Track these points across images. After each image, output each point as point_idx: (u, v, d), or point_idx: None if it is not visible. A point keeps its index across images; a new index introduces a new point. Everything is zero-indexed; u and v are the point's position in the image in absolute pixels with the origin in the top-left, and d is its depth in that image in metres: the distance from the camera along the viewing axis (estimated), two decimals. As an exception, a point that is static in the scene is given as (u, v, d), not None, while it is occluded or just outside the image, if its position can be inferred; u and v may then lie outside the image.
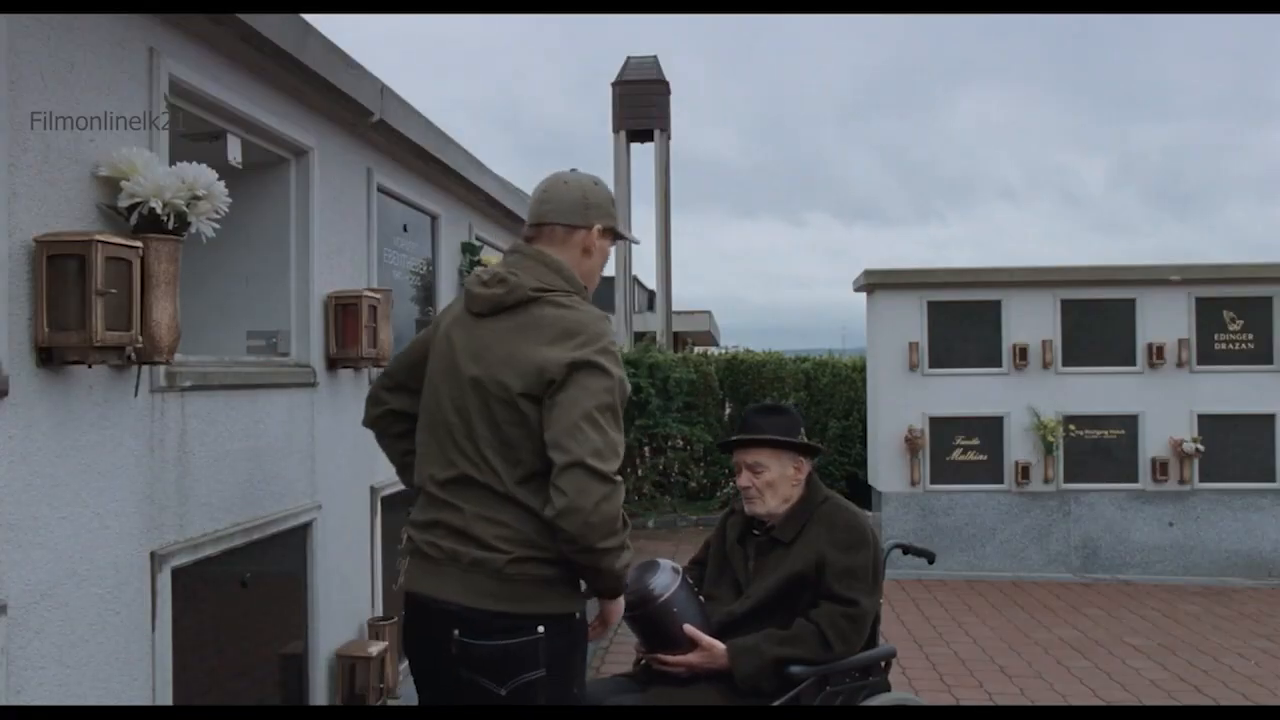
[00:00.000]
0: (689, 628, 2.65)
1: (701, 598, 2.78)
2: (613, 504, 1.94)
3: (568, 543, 1.95)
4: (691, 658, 2.63)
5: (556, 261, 2.14)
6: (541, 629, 2.02)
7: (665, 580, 2.59)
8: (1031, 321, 7.79)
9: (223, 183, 2.38)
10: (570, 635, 2.08)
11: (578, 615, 2.10)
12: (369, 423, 2.41)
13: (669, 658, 2.66)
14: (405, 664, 4.03)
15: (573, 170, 2.30)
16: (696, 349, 15.12)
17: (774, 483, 2.82)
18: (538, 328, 2.05)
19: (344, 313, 3.52)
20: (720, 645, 2.63)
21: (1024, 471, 7.69)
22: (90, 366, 2.16)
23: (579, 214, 2.20)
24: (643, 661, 2.84)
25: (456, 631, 2.02)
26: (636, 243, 2.87)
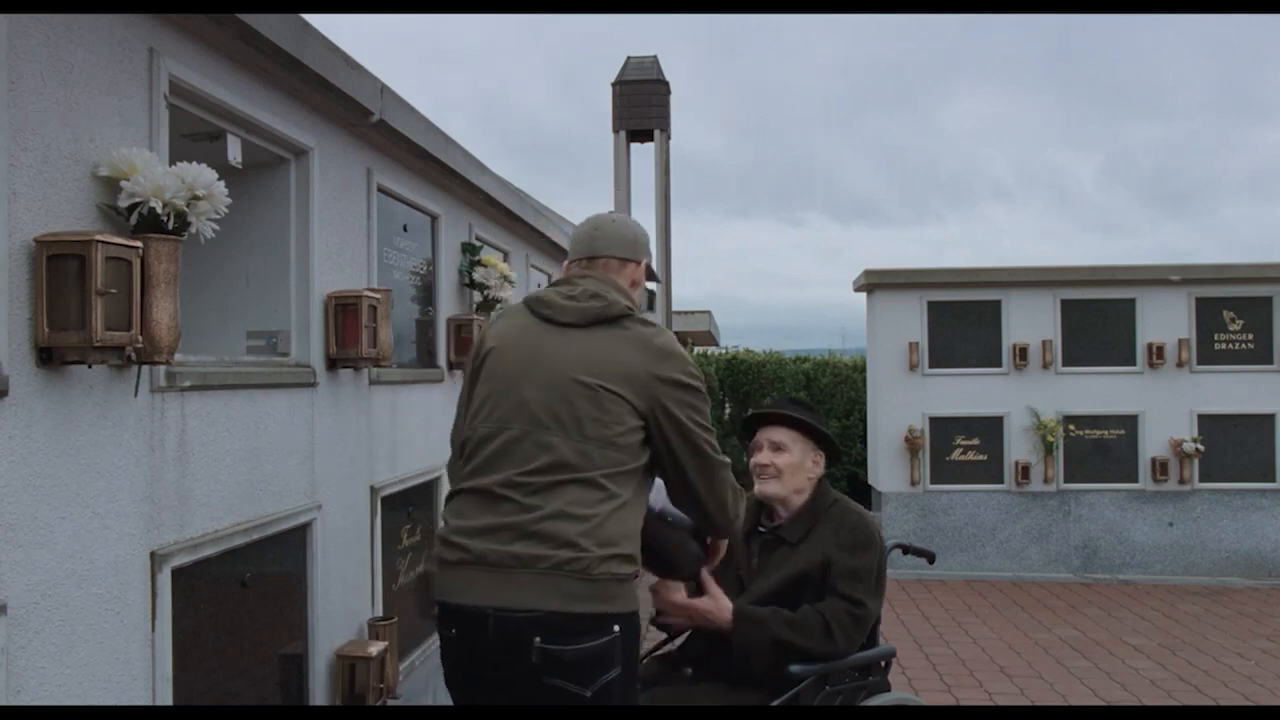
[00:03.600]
0: (705, 576, 2.65)
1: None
2: (737, 488, 2.34)
3: (713, 529, 2.40)
4: (699, 603, 2.63)
5: (624, 288, 2.33)
6: (617, 628, 2.07)
7: (657, 497, 2.57)
8: (1031, 321, 7.80)
9: (223, 183, 2.38)
10: (635, 632, 2.15)
11: (638, 611, 2.17)
12: None
13: (674, 599, 2.65)
14: (406, 663, 4.04)
15: (612, 213, 2.50)
16: (697, 349, 15.12)
17: (792, 466, 2.82)
18: (641, 343, 2.21)
19: (344, 313, 3.52)
20: (728, 602, 2.63)
21: (1024, 471, 7.70)
22: (90, 366, 2.16)
23: (630, 249, 2.39)
24: (644, 660, 2.85)
25: (538, 639, 2.00)
26: (659, 282, 3.06)
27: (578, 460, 2.09)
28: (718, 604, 2.63)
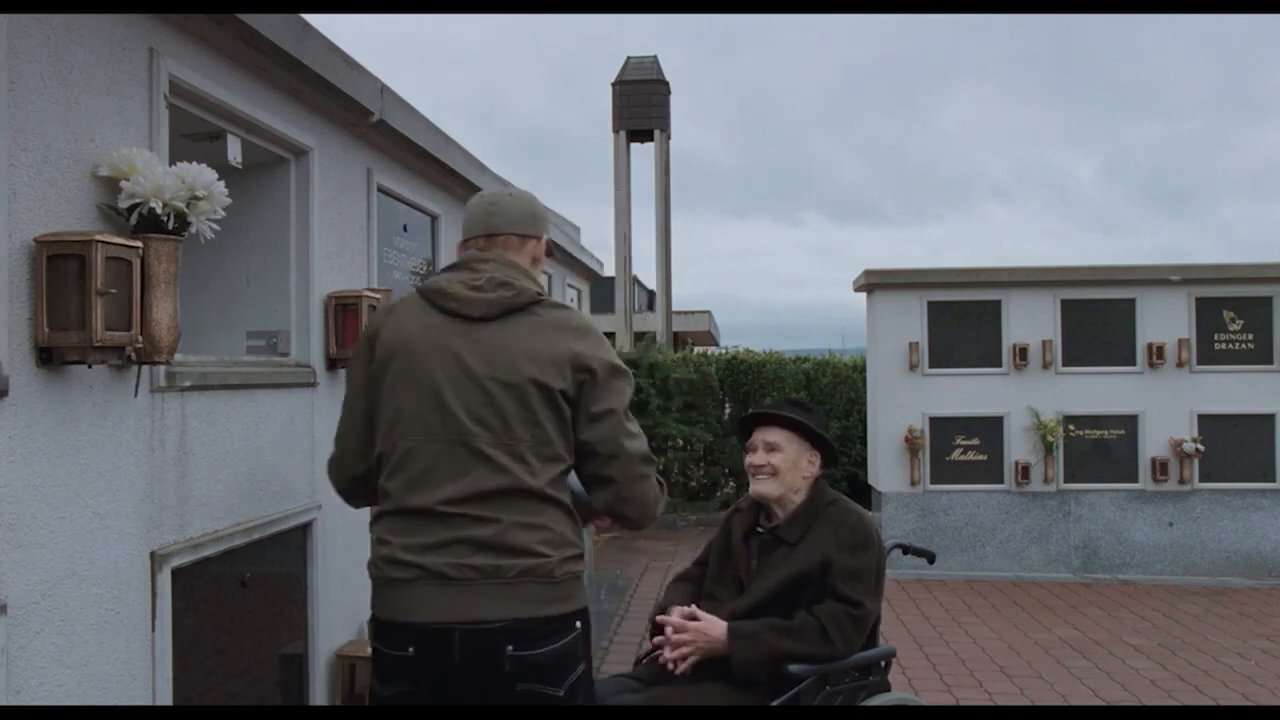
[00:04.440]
0: (694, 608, 2.69)
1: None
2: (657, 491, 2.20)
3: (629, 527, 2.22)
4: (695, 625, 2.65)
5: (527, 269, 2.22)
6: (579, 624, 2.08)
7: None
8: (1031, 321, 7.80)
9: (223, 183, 2.38)
10: (589, 625, 2.15)
11: (589, 605, 2.18)
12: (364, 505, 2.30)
13: (671, 620, 2.69)
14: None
15: (510, 188, 2.41)
16: (697, 349, 15.12)
17: (787, 466, 2.82)
18: (558, 327, 2.11)
19: (344, 313, 3.52)
20: (720, 622, 2.65)
21: (1024, 471, 7.69)
22: (90, 366, 2.16)
23: (530, 225, 2.26)
24: (644, 660, 2.85)
25: (510, 647, 1.98)
26: (554, 257, 2.98)
27: (516, 468, 2.02)
28: (711, 623, 2.65)
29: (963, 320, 7.87)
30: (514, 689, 2.00)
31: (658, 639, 2.76)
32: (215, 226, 2.40)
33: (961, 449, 7.83)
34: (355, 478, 2.20)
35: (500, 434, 2.02)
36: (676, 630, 2.67)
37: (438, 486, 2.01)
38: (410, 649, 2.00)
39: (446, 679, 2.01)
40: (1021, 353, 7.73)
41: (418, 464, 2.03)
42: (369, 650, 3.53)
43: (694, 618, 2.68)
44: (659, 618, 2.77)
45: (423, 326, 2.10)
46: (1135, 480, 7.76)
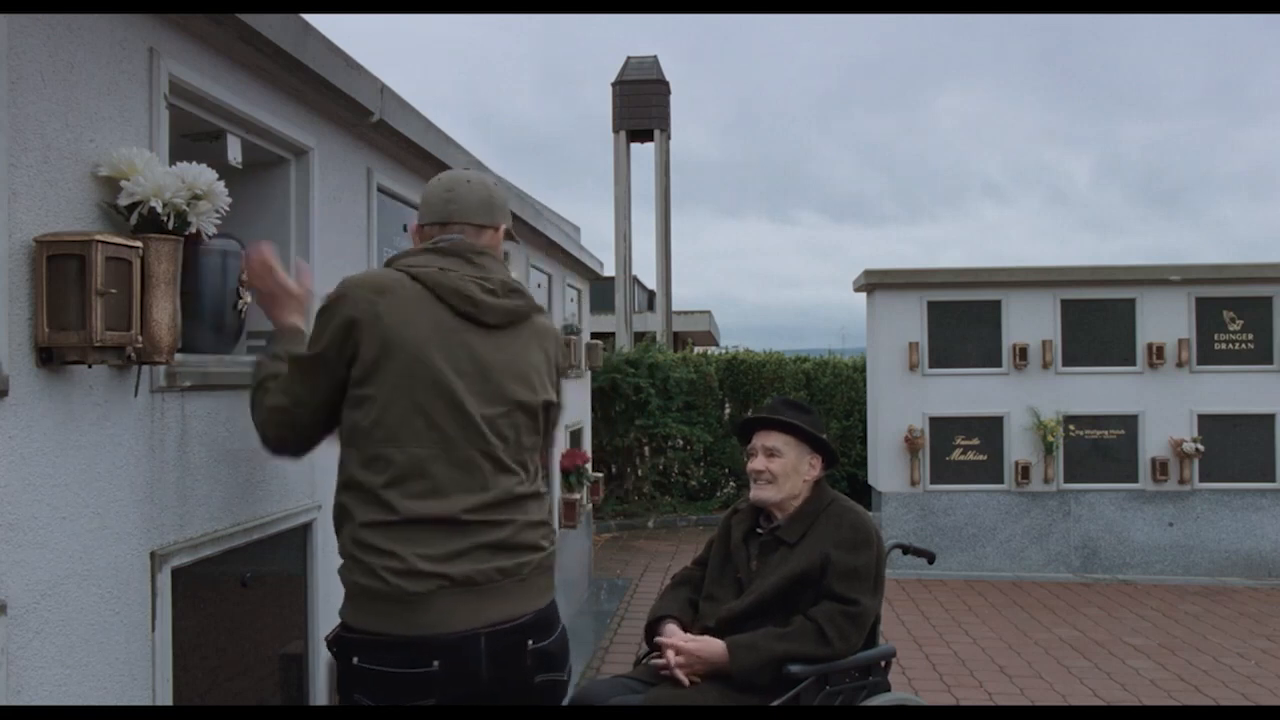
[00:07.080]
0: (687, 638, 2.72)
1: None
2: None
3: None
4: (690, 646, 2.66)
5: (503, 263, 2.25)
6: (554, 599, 2.17)
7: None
8: (1031, 321, 7.80)
9: (222, 182, 2.38)
10: None
11: None
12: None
13: (666, 641, 2.71)
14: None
15: (468, 169, 2.37)
16: (697, 349, 15.12)
17: (786, 471, 2.82)
18: (544, 336, 2.19)
19: (344, 313, 3.52)
20: (717, 642, 2.64)
21: (1024, 471, 7.70)
22: (90, 366, 2.16)
23: (487, 214, 2.19)
24: (643, 661, 2.85)
25: (530, 641, 2.01)
26: (517, 243, 3.03)
27: (524, 474, 2.09)
28: (704, 644, 2.67)
29: (963, 320, 7.88)
30: (533, 682, 2.04)
31: (656, 661, 2.75)
32: (218, 223, 2.40)
33: (961, 449, 7.83)
34: (307, 448, 2.26)
35: (514, 446, 2.07)
36: (677, 651, 2.68)
37: (458, 496, 1.98)
38: (435, 663, 1.93)
39: (474, 687, 1.97)
40: (1021, 353, 7.73)
41: (433, 473, 1.98)
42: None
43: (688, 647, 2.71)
44: (658, 639, 2.76)
45: (433, 326, 2.02)
46: (1135, 480, 7.76)
